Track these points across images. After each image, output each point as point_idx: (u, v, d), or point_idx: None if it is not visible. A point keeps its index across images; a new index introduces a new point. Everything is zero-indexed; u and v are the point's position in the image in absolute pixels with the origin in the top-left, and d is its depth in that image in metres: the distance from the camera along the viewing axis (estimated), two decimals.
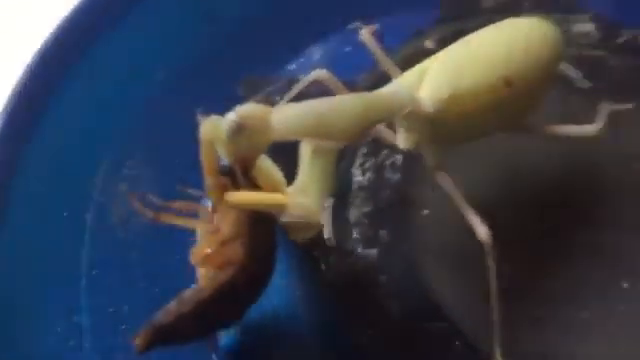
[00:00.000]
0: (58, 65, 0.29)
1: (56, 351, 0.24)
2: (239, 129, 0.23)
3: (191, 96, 0.30)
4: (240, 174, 0.23)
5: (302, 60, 0.34)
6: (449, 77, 0.26)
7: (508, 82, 0.26)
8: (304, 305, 0.27)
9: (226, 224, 0.24)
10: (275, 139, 0.24)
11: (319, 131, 0.24)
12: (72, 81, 0.30)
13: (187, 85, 0.31)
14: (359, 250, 0.28)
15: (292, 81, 0.30)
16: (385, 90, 0.26)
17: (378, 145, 0.31)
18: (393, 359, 0.26)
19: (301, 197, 0.24)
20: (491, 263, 0.25)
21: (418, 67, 0.26)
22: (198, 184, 0.29)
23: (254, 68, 0.32)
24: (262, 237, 0.24)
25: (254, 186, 0.24)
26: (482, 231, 0.25)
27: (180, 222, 0.25)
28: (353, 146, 0.31)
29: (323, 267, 0.28)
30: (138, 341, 0.23)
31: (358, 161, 0.31)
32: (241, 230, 0.24)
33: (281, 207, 0.24)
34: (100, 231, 0.27)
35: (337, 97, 0.26)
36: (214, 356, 0.25)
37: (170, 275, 0.26)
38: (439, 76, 0.26)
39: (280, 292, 0.25)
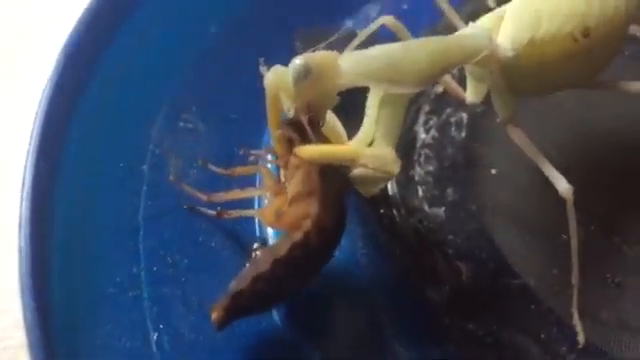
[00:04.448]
0: (111, 16, 0.29)
1: (116, 300, 0.23)
2: (306, 73, 0.22)
3: (244, 50, 0.29)
4: (308, 127, 0.22)
5: (360, 17, 0.33)
6: (529, 22, 0.25)
7: (585, 32, 0.25)
8: (368, 261, 0.26)
9: (296, 181, 0.22)
10: (344, 85, 0.23)
11: (391, 75, 0.23)
12: (126, 33, 0.29)
13: (240, 40, 0.30)
14: (426, 209, 0.27)
15: (351, 35, 0.29)
16: (462, 32, 0.25)
17: (442, 103, 0.30)
18: (467, 317, 0.24)
19: (372, 149, 0.23)
20: (572, 219, 0.23)
21: (495, 12, 0.26)
22: (254, 138, 0.28)
23: (309, 23, 0.31)
24: (334, 191, 0.23)
25: (323, 140, 0.23)
26: (562, 185, 0.24)
27: (244, 194, 0.24)
28: (416, 104, 0.30)
29: (388, 224, 0.27)
30: (215, 314, 0.21)
31: (422, 119, 0.30)
32: (313, 185, 0.22)
33: (355, 159, 0.22)
34: (157, 183, 0.26)
35: (410, 40, 0.25)
36: (274, 311, 0.24)
37: (228, 227, 0.25)
38: (519, 21, 0.25)
39: (342, 249, 0.24)
